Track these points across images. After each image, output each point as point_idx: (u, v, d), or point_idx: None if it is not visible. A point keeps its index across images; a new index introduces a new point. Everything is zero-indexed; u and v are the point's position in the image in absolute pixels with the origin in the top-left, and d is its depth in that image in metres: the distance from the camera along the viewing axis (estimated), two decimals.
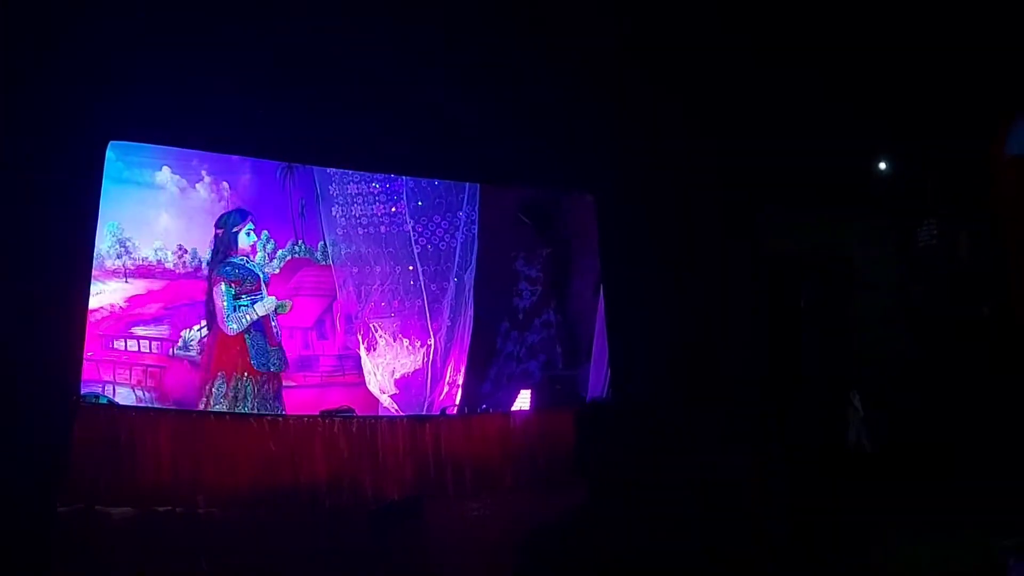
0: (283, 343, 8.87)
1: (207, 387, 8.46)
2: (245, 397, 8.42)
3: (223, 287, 8.44)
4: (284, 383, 9.04)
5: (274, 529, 6.57)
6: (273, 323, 8.68)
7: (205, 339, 9.01)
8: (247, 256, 8.62)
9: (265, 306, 8.59)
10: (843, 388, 8.75)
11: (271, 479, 6.93)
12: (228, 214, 8.79)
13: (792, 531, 7.05)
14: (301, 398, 9.57)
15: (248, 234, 8.61)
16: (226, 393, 8.37)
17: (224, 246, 8.60)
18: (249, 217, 8.71)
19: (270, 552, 6.39)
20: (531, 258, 10.46)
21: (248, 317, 8.47)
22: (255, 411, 8.33)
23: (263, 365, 8.53)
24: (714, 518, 7.07)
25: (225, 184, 9.55)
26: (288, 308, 8.96)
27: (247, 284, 8.53)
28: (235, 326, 8.45)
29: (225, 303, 8.42)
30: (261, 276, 8.67)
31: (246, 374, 8.45)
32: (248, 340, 8.51)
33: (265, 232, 9.72)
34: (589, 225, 9.29)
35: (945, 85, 8.01)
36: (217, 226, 8.74)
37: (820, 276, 9.17)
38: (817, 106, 8.24)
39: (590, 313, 9.67)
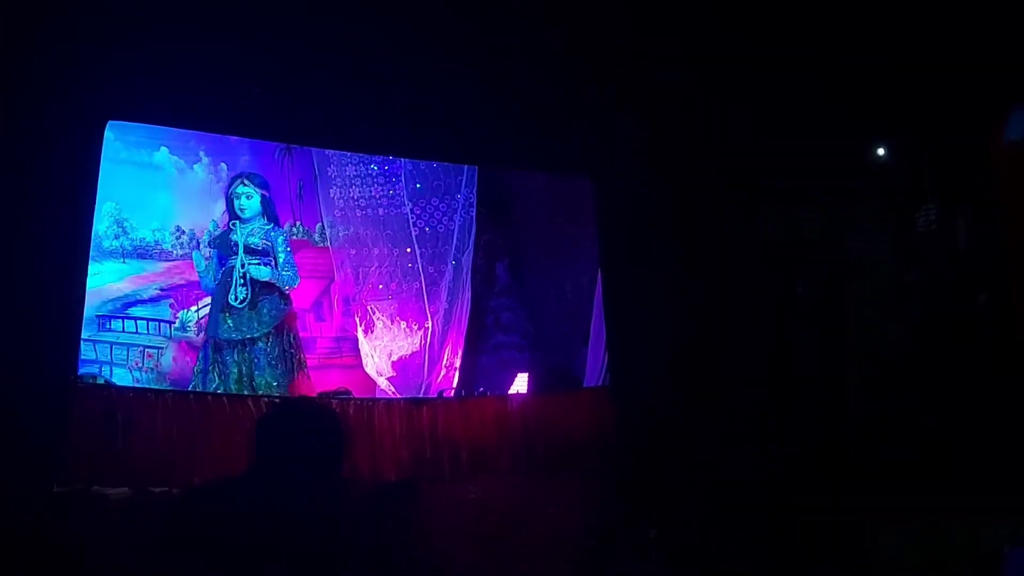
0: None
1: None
2: (215, 365, 8.57)
3: (195, 255, 8.89)
4: None
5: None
6: (237, 287, 8.72)
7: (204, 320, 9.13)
8: (238, 220, 8.79)
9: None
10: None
11: None
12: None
13: (792, 530, 7.08)
14: (298, 379, 9.59)
15: (236, 197, 8.76)
16: (203, 364, 8.55)
17: (228, 213, 8.92)
18: (239, 179, 8.93)
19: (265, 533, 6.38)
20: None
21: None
22: (222, 382, 8.56)
23: (211, 331, 8.76)
24: (714, 516, 7.13)
25: (223, 165, 9.56)
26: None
27: (222, 251, 8.72)
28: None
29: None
30: (239, 241, 8.76)
31: (210, 341, 8.67)
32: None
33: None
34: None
35: (943, 72, 7.99)
36: None
37: (816, 266, 9.17)
38: (814, 93, 8.22)
39: (582, 299, 9.68)
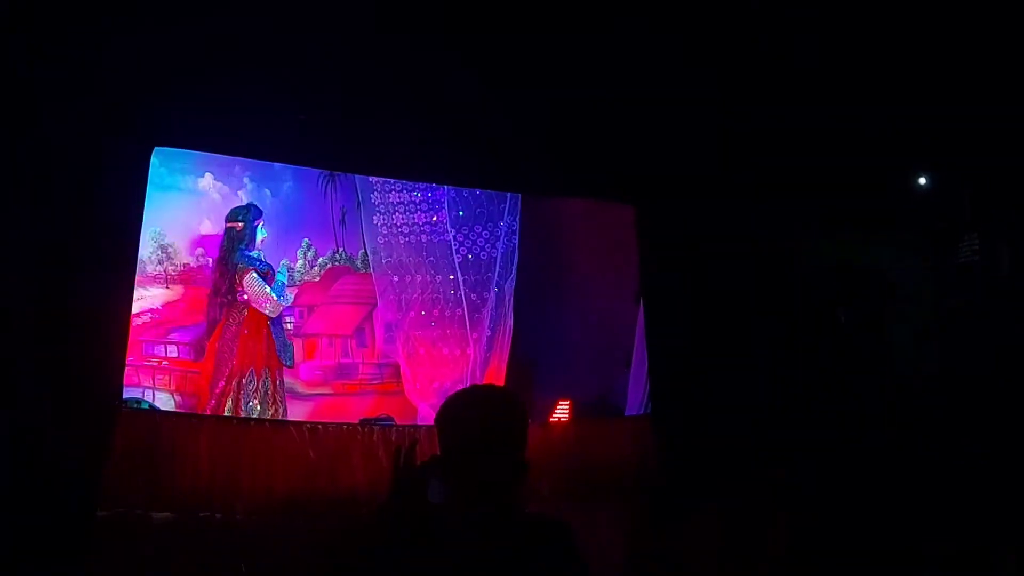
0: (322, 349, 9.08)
1: (235, 381, 8.62)
2: (266, 392, 8.61)
3: (255, 275, 8.65)
4: (320, 390, 9.26)
5: (312, 537, 6.57)
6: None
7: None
8: (260, 251, 8.86)
9: (288, 298, 9.06)
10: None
11: (310, 486, 6.95)
12: (244, 208, 9.01)
13: (819, 551, 7.02)
14: (340, 406, 9.60)
15: (263, 229, 8.84)
16: (256, 389, 8.54)
17: (246, 239, 8.83)
18: (263, 214, 8.97)
19: (308, 559, 6.39)
20: None
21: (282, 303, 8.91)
22: (268, 409, 8.63)
23: (285, 358, 8.93)
24: (737, 534, 7.07)
25: (267, 191, 9.61)
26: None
27: (267, 276, 8.80)
28: (277, 308, 8.89)
29: (263, 288, 8.76)
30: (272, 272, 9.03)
31: (268, 368, 8.66)
32: (273, 332, 8.80)
33: (306, 240, 9.81)
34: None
35: (983, 96, 7.95)
36: (232, 219, 8.96)
37: (857, 291, 9.12)
38: (855, 119, 8.19)
39: (624, 326, 9.65)
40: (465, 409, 3.05)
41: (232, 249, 8.83)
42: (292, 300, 9.09)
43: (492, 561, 2.84)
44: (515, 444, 3.03)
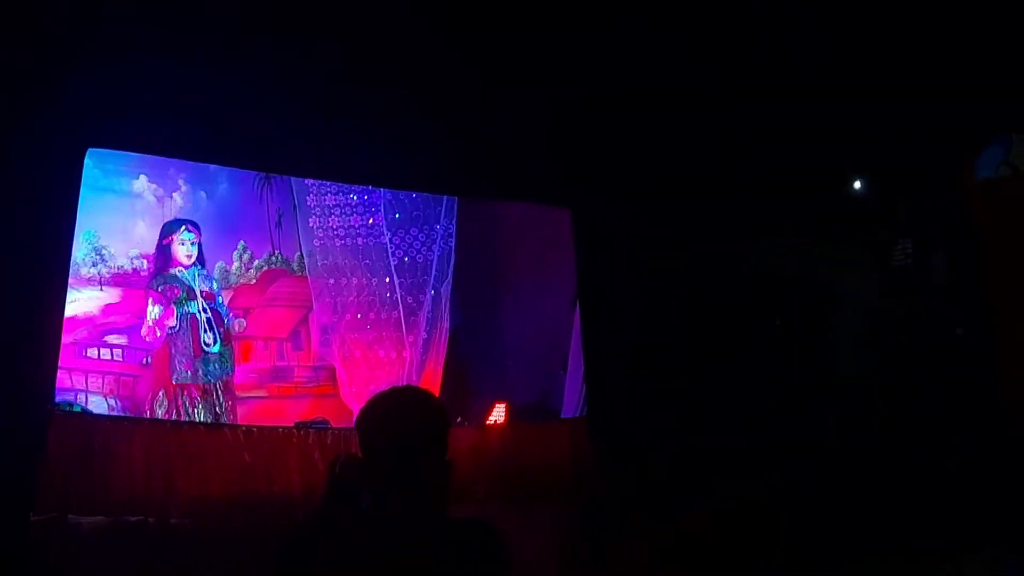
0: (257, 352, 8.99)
1: (152, 400, 8.63)
2: (187, 411, 8.49)
3: (149, 303, 8.61)
4: (255, 393, 9.20)
5: (247, 540, 6.54)
6: (205, 332, 8.76)
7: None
8: (182, 267, 8.70)
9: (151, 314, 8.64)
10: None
11: (245, 490, 6.91)
12: (164, 225, 8.94)
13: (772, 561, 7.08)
14: (276, 409, 9.57)
15: (181, 244, 8.69)
16: (167, 408, 8.46)
17: (161, 259, 8.77)
18: (184, 226, 8.86)
19: (243, 563, 6.36)
20: None
21: (147, 327, 8.64)
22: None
23: (182, 377, 8.58)
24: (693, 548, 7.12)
25: (202, 193, 9.54)
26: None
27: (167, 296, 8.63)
28: (148, 338, 8.65)
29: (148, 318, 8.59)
30: (192, 285, 8.76)
31: (179, 389, 8.56)
32: (171, 352, 8.64)
33: (242, 242, 9.75)
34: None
35: (918, 109, 8.04)
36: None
37: (795, 297, 9.20)
38: (793, 127, 8.26)
39: (560, 328, 9.68)
40: (395, 410, 3.05)
41: (154, 270, 8.88)
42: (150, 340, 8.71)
43: (424, 563, 2.85)
44: (444, 444, 3.05)
